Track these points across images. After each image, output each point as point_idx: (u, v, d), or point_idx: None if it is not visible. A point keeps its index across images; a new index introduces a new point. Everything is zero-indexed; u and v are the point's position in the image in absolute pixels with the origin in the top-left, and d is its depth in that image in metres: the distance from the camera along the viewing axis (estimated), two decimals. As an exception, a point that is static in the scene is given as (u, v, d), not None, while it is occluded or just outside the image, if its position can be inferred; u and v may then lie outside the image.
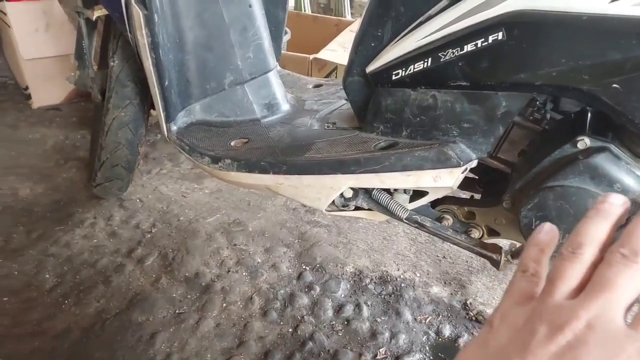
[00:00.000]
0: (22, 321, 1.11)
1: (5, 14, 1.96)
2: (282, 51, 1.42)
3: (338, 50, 1.94)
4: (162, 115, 1.08)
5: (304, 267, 1.30)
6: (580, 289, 0.28)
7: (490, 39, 0.68)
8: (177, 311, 1.15)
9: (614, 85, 0.61)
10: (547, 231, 0.34)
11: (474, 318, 1.14)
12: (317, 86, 1.36)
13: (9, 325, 1.10)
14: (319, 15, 2.52)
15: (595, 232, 0.31)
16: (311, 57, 1.87)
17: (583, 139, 0.68)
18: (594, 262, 0.29)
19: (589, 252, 0.30)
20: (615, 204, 0.32)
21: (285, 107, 1.20)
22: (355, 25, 2.17)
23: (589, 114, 0.72)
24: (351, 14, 3.01)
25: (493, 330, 0.29)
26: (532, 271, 0.31)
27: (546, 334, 0.26)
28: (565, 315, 0.26)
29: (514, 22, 0.65)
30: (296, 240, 1.41)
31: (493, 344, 0.28)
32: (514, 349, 0.26)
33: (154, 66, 1.01)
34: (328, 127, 1.06)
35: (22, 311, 1.14)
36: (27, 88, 2.17)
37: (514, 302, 0.30)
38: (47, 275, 1.25)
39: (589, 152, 0.67)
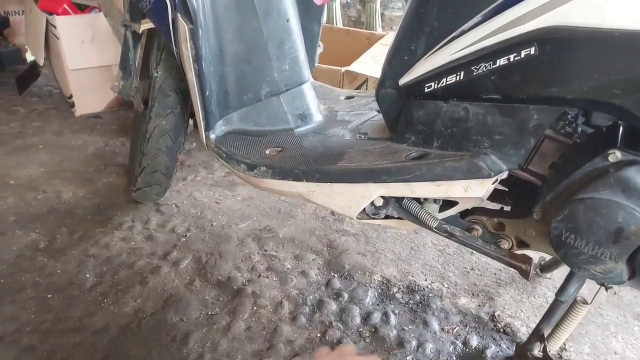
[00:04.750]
0: (64, 317, 1.17)
1: (54, 26, 2.08)
2: (315, 64, 1.46)
3: (369, 63, 1.97)
4: (202, 124, 1.13)
5: (332, 274, 1.33)
6: None
7: (523, 53, 0.71)
8: (209, 313, 1.19)
9: (646, 99, 0.62)
10: None
11: (501, 330, 1.14)
12: (349, 98, 1.40)
13: (52, 320, 1.16)
14: (350, 28, 2.56)
15: None
16: (343, 69, 1.91)
17: (614, 152, 0.69)
18: None
19: None
20: None
21: (318, 117, 1.24)
22: (387, 39, 2.21)
23: (621, 128, 0.73)
24: (381, 27, 3.05)
25: None
26: None
27: None
28: None
29: (546, 38, 0.67)
30: (325, 248, 1.44)
31: None
32: None
33: (197, 77, 1.06)
34: (360, 137, 1.10)
35: (64, 308, 1.20)
36: (71, 97, 2.28)
37: None
38: (88, 275, 1.31)
39: (620, 165, 0.68)
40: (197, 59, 1.04)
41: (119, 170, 1.84)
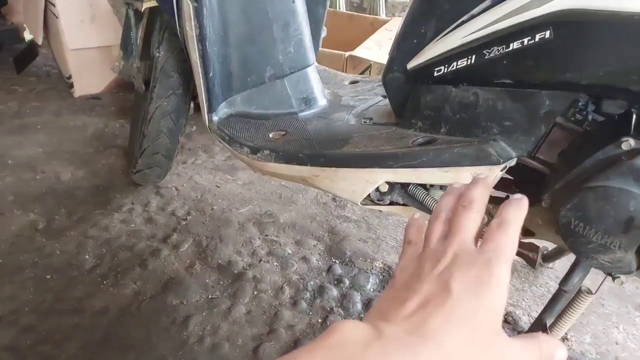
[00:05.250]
0: (63, 298, 1.16)
1: (54, 5, 2.04)
2: (319, 48, 1.44)
3: (373, 48, 1.95)
4: (205, 105, 1.11)
5: (333, 260, 1.32)
6: (445, 235, 0.42)
7: (537, 37, 0.69)
8: (210, 296, 1.19)
9: (663, 86, 0.61)
10: (415, 223, 0.47)
11: (503, 319, 1.14)
12: (354, 82, 1.38)
13: (51, 300, 1.15)
14: (354, 13, 2.53)
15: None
16: (347, 54, 1.89)
17: (628, 140, 0.67)
18: (449, 218, 0.43)
19: (444, 213, 0.44)
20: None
21: (322, 101, 1.22)
22: (391, 24, 2.18)
23: (634, 116, 0.71)
24: (385, 13, 3.02)
25: (396, 277, 0.41)
26: (415, 240, 0.44)
27: (430, 266, 0.38)
28: (439, 254, 0.39)
29: (562, 21, 0.65)
30: (326, 234, 1.43)
31: (398, 283, 0.40)
32: (413, 281, 0.38)
33: (200, 57, 1.04)
34: (365, 122, 1.08)
35: (64, 288, 1.19)
36: (70, 77, 2.25)
37: (406, 260, 0.42)
38: (87, 256, 1.30)
39: (633, 153, 0.67)
40: (201, 38, 1.02)
41: (119, 152, 1.82)
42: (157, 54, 1.28)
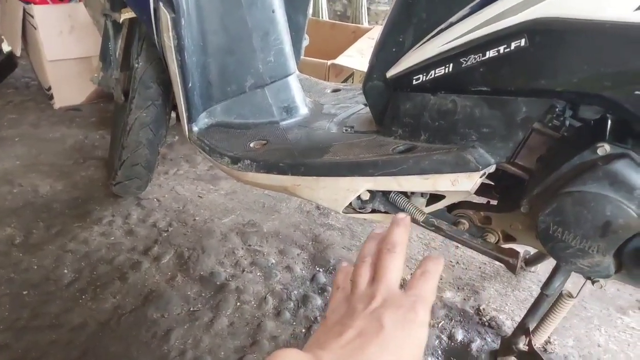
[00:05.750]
0: (40, 314, 1.13)
1: (32, 16, 2.01)
2: (301, 56, 1.44)
3: (355, 57, 1.96)
4: (185, 116, 1.10)
5: (317, 269, 1.31)
6: (372, 278, 0.47)
7: (513, 45, 0.70)
8: (191, 309, 1.17)
9: (636, 92, 0.62)
10: (343, 270, 0.53)
11: (486, 323, 1.14)
12: (335, 91, 1.38)
13: (28, 317, 1.12)
14: (336, 22, 2.55)
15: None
16: (329, 62, 1.89)
17: (603, 146, 0.68)
18: (374, 261, 0.48)
19: (369, 257, 0.49)
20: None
21: (303, 110, 1.22)
22: (373, 32, 2.20)
23: (609, 121, 0.72)
24: (367, 21, 3.04)
25: (328, 317, 0.45)
26: (343, 285, 0.49)
27: (362, 307, 0.43)
28: (369, 297, 0.44)
29: (536, 29, 0.66)
30: (310, 243, 1.42)
31: (331, 322, 0.43)
32: (346, 319, 0.42)
33: (179, 68, 1.03)
34: (346, 130, 1.08)
35: (40, 304, 1.16)
36: (49, 89, 2.22)
37: (336, 302, 0.46)
38: (65, 270, 1.27)
39: (609, 158, 0.68)
40: (180, 49, 1.01)
41: (99, 163, 1.79)
42: (136, 65, 1.26)
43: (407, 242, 0.50)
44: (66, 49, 2.11)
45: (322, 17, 2.77)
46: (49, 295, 1.19)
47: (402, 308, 0.42)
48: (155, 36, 1.07)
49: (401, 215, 0.53)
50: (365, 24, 2.88)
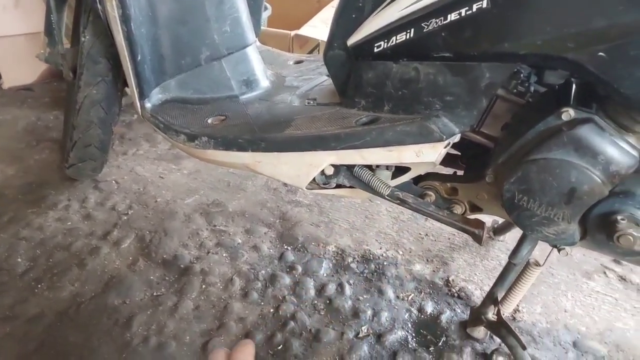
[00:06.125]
0: (-7, 306, 1.08)
1: (-31, -12, 1.87)
2: (263, 27, 1.38)
3: (320, 27, 1.90)
4: (136, 92, 1.04)
5: (285, 247, 1.28)
6: None
7: (475, 7, 0.66)
8: (154, 294, 1.13)
9: (600, 53, 0.59)
10: None
11: (455, 294, 1.14)
12: (298, 62, 1.33)
13: (-21, 310, 1.06)
14: (299, -8, 2.46)
15: None
16: (292, 33, 1.83)
17: (567, 111, 0.66)
18: None
19: None
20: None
21: (264, 83, 1.17)
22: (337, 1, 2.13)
23: (574, 85, 0.70)
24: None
25: None
26: None
27: None
28: None
29: (498, -11, 0.63)
30: (277, 221, 1.39)
31: None
32: None
33: (126, 40, 0.97)
34: (308, 103, 1.04)
35: (-7, 296, 1.10)
36: (-4, 67, 2.09)
37: None
38: (19, 259, 1.21)
39: (573, 123, 0.66)
40: (125, 19, 0.94)
41: (53, 145, 1.71)
42: (83, 39, 1.18)
43: None
44: (11, 25, 1.98)
45: (285, -13, 2.67)
46: (2, 286, 1.13)
47: None
48: (98, 6, 0.99)
49: (246, 340, 0.55)
50: (331, -6, 2.80)
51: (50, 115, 1.93)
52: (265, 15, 1.45)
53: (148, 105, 1.05)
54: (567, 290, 1.16)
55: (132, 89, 1.03)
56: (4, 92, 2.12)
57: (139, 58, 0.99)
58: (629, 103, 0.62)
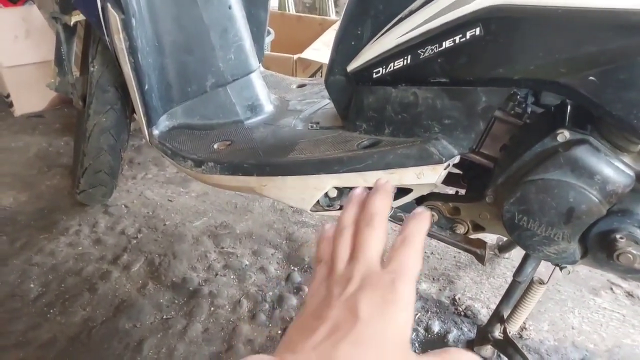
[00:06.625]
0: (6, 332, 1.09)
1: (-17, 21, 1.93)
2: (266, 52, 1.41)
3: (322, 50, 1.93)
4: (144, 119, 1.07)
5: (292, 268, 1.30)
6: (351, 255, 0.41)
7: (468, 34, 0.68)
8: (164, 317, 1.14)
9: (591, 77, 0.61)
10: (325, 238, 0.45)
11: (462, 313, 1.14)
12: (301, 86, 1.36)
13: (-8, 337, 1.08)
14: (302, 14, 2.51)
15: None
16: (295, 57, 1.86)
17: (563, 132, 0.68)
18: (354, 231, 0.43)
19: (348, 228, 0.43)
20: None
21: (268, 108, 1.19)
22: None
23: (569, 107, 0.72)
24: (336, 12, 3.01)
25: (307, 303, 0.40)
26: (326, 258, 0.43)
27: (338, 291, 0.38)
28: (346, 278, 0.38)
29: (490, 17, 0.65)
30: (284, 242, 1.40)
31: (308, 310, 0.39)
32: (322, 308, 0.37)
33: (133, 70, 1.00)
34: (312, 126, 1.06)
35: (6, 322, 1.12)
36: (8, 96, 2.15)
37: (316, 283, 0.41)
38: (32, 285, 1.23)
39: (569, 144, 0.67)
40: (132, 51, 0.98)
41: (64, 171, 1.74)
42: (92, 68, 1.22)
43: (389, 211, 0.44)
44: (22, 54, 2.03)
45: (288, 10, 2.73)
46: (15, 312, 1.15)
47: (380, 288, 0.37)
48: (106, 38, 1.02)
49: (382, 180, 0.47)
50: (333, 16, 2.85)
51: (61, 141, 1.97)
52: (268, 39, 1.49)
53: (156, 132, 1.08)
54: (574, 307, 1.16)
55: (140, 117, 1.06)
56: (16, 119, 2.17)
57: (146, 87, 1.02)
58: (622, 124, 0.63)
